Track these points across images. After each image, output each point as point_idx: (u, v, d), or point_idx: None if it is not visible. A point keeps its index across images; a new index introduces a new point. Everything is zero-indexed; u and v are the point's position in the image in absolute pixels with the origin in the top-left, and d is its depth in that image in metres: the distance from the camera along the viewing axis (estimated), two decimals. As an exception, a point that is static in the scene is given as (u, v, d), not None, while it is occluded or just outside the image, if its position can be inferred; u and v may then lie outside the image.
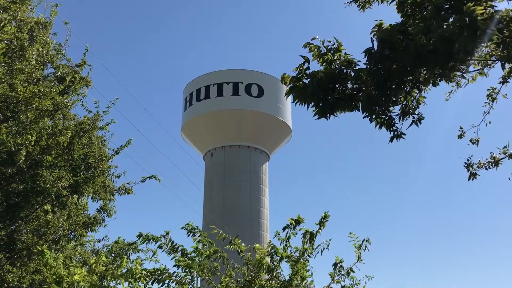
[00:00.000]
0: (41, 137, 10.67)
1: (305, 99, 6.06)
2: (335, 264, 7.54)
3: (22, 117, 10.73)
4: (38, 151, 10.49)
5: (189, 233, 7.37)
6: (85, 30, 73.68)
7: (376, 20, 6.12)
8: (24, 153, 10.00)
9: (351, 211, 78.35)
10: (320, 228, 7.57)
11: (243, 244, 7.52)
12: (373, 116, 6.16)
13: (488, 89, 9.63)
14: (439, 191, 79.35)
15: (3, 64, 9.98)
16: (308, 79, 6.07)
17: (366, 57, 5.94)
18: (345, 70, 6.05)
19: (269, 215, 32.30)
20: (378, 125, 6.25)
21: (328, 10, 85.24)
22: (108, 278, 6.62)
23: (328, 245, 7.54)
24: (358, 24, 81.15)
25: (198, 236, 7.29)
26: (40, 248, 7.02)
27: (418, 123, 6.45)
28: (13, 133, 10.70)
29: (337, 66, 6.05)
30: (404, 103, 6.36)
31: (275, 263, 7.27)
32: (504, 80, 8.75)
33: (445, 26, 5.51)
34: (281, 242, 7.44)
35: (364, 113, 6.13)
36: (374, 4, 8.45)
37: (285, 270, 7.35)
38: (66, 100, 11.75)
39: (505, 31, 5.51)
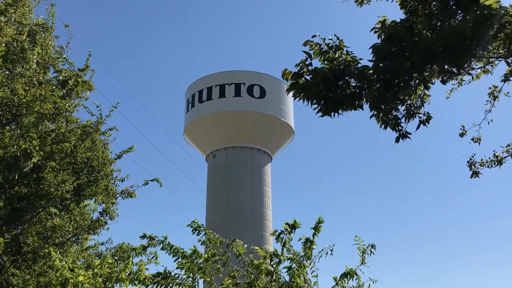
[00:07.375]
0: (45, 143, 10.65)
1: (308, 96, 5.86)
2: (344, 274, 7.27)
3: (24, 121, 10.73)
4: (42, 156, 10.50)
5: (194, 231, 7.32)
6: (87, 33, 73.91)
7: (379, 16, 5.92)
8: (34, 161, 9.97)
9: (354, 211, 78.29)
10: (315, 233, 7.45)
11: (245, 245, 7.48)
12: (380, 115, 5.96)
13: (489, 87, 9.59)
14: (442, 191, 79.23)
15: (3, 68, 9.97)
16: (310, 76, 5.86)
17: (373, 53, 5.72)
18: (348, 68, 5.84)
19: (272, 216, 32.30)
20: (383, 125, 6.07)
21: (331, 11, 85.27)
22: (113, 280, 6.64)
23: (332, 250, 7.42)
24: (360, 25, 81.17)
25: (203, 235, 7.26)
26: (47, 251, 7.05)
27: (426, 123, 6.21)
28: (16, 137, 10.70)
29: (339, 64, 5.86)
30: (408, 102, 6.15)
31: (274, 265, 7.21)
32: (506, 79, 8.69)
33: (453, 22, 5.40)
34: (281, 246, 7.38)
35: (372, 112, 5.93)
36: (372, 0, 8.20)
37: (285, 273, 7.29)
38: (68, 104, 11.74)
39: (508, 26, 5.42)
